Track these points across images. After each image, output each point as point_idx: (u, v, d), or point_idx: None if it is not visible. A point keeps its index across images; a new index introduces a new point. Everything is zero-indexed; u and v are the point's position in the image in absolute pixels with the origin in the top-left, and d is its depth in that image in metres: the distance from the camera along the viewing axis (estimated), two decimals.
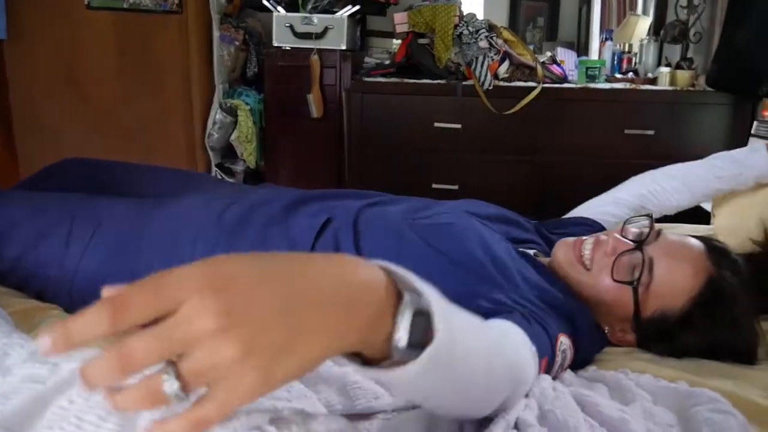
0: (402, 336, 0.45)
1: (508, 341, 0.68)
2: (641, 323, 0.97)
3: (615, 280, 0.96)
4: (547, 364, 0.81)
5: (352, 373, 0.77)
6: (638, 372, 0.90)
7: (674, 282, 0.95)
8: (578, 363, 0.93)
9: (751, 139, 2.37)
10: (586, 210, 1.34)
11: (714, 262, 0.96)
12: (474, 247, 0.97)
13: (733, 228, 1.36)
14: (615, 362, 0.96)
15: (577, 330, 0.91)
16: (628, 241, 0.99)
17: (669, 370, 0.90)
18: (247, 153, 3.09)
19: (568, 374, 0.89)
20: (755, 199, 1.38)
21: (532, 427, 0.68)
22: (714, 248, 0.99)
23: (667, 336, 0.96)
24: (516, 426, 0.69)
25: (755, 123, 2.40)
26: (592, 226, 1.25)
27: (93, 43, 2.96)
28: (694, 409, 0.77)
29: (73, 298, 1.04)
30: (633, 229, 1.01)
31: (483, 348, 0.57)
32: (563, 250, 1.05)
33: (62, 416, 0.51)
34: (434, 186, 2.84)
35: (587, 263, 1.01)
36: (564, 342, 0.86)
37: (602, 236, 1.03)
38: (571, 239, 1.06)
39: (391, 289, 0.46)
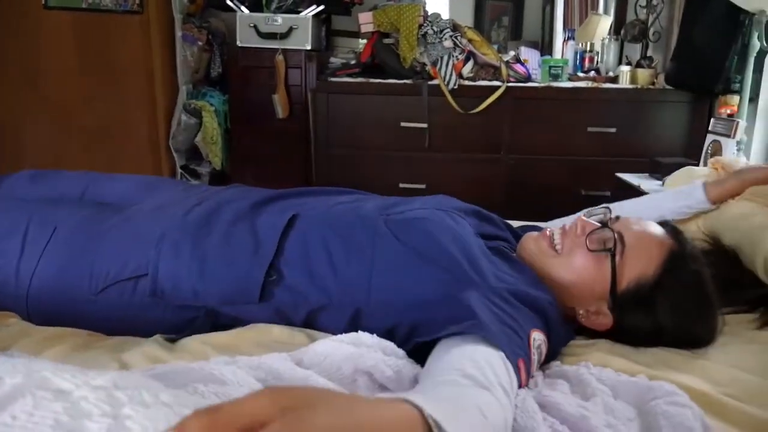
0: None
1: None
2: (618, 296, 0.99)
3: (591, 251, 0.99)
4: (525, 365, 0.81)
5: (315, 375, 0.77)
6: (600, 365, 0.92)
7: (645, 250, 0.98)
8: (548, 356, 0.94)
9: (708, 136, 2.42)
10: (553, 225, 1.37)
11: (674, 238, 1.02)
12: (446, 241, 0.97)
13: None
14: (578, 356, 0.97)
15: (549, 323, 0.92)
16: (594, 222, 1.03)
17: (630, 363, 0.92)
18: (213, 154, 3.06)
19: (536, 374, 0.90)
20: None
21: None
22: (672, 228, 1.06)
23: (642, 303, 0.98)
24: None
25: (712, 120, 2.46)
26: None
27: (52, 44, 2.91)
28: (653, 403, 0.79)
29: (30, 306, 1.02)
30: (594, 218, 1.06)
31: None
32: (533, 241, 1.07)
33: None
34: (401, 185, 2.85)
35: (558, 248, 1.04)
36: (538, 338, 0.87)
37: (567, 224, 1.07)
38: (536, 232, 1.10)
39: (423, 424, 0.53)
